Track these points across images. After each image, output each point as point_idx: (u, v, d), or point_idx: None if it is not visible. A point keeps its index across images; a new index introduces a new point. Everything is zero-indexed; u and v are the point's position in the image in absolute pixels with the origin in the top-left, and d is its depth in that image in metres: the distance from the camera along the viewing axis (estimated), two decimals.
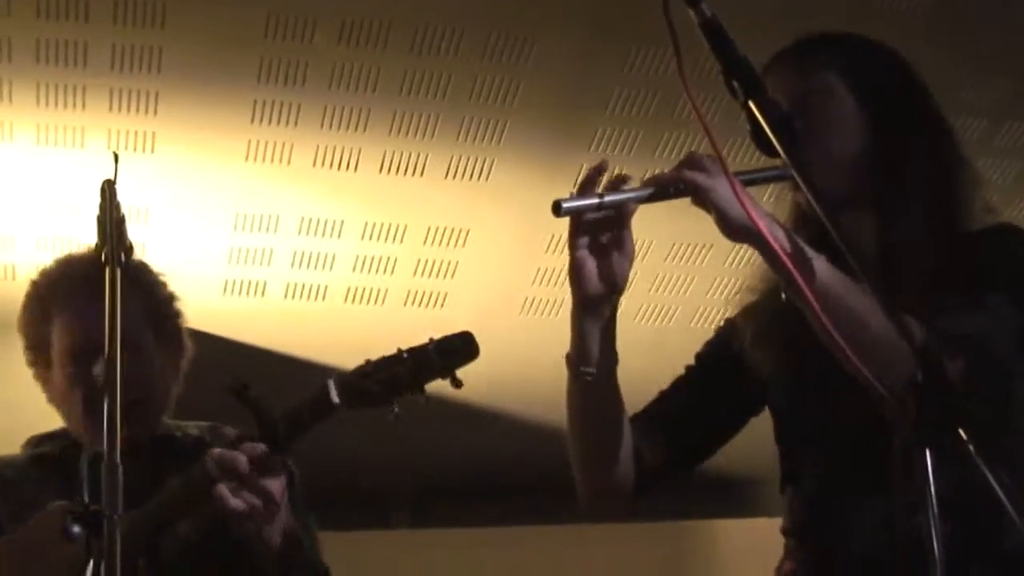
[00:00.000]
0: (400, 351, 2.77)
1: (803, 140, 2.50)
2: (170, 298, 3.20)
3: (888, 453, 2.64)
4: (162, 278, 3.20)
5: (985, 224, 2.83)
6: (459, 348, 2.77)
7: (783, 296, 2.62)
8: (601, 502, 2.94)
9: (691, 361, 3.05)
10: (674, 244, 5.42)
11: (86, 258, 3.05)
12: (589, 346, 2.73)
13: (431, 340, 2.78)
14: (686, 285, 5.77)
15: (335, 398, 2.69)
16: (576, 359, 2.73)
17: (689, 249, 5.56)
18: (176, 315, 3.20)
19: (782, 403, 2.90)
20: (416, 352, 2.77)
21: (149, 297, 3.13)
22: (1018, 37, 4.66)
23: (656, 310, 5.78)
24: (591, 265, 2.71)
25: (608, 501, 2.95)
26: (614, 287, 2.68)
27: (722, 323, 2.98)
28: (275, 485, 2.63)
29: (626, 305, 5.78)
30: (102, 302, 2.85)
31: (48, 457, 3.11)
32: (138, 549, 2.66)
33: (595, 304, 2.72)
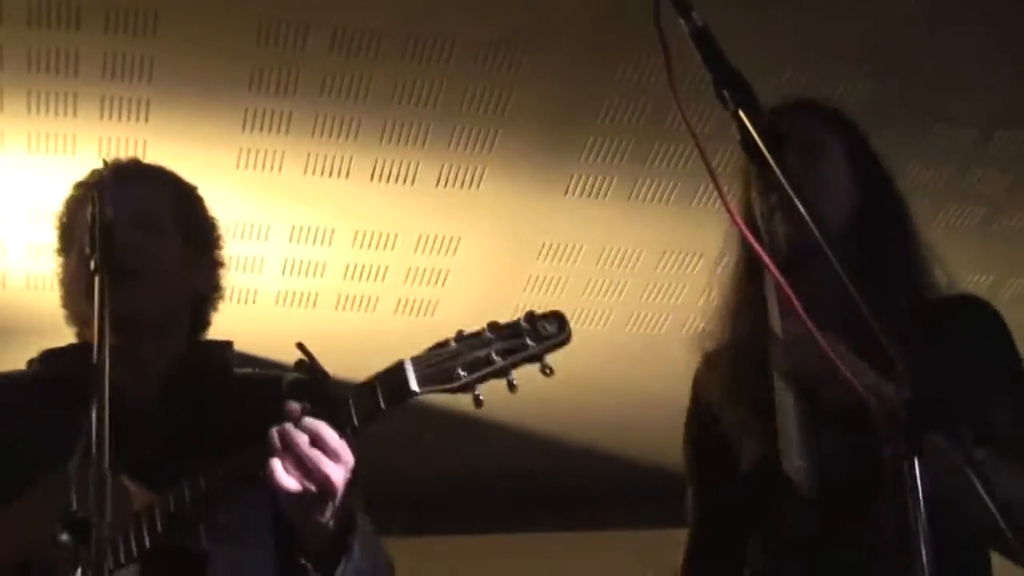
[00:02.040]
0: (484, 330, 2.56)
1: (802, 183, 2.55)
2: (202, 206, 3.08)
3: (869, 509, 2.69)
4: (198, 192, 3.09)
5: (946, 294, 3.01)
6: (553, 333, 2.55)
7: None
8: None
9: (682, 374, 3.05)
10: (664, 252, 5.43)
11: (124, 163, 3.06)
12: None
13: (524, 318, 2.56)
14: (677, 293, 5.79)
15: (415, 384, 2.53)
16: None
17: (680, 257, 5.58)
18: (211, 226, 3.07)
19: (755, 462, 2.90)
20: (504, 332, 2.57)
21: (180, 195, 3.04)
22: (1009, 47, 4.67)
23: (647, 318, 5.80)
24: None
25: None
26: None
27: (692, 375, 3.00)
28: (337, 472, 2.47)
29: (617, 313, 5.82)
30: (131, 185, 2.83)
31: (53, 377, 2.98)
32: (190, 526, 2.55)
33: None
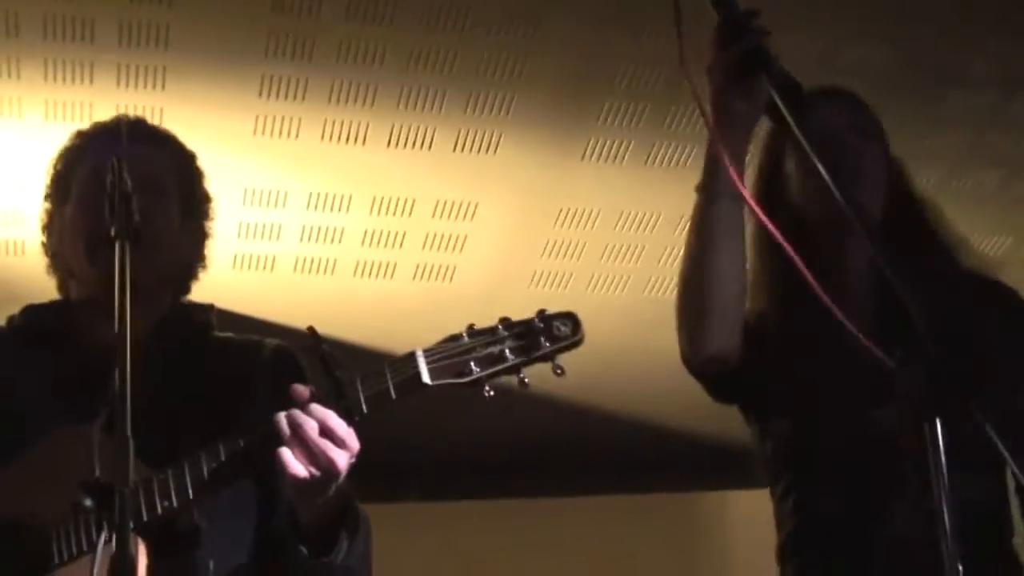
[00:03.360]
0: (498, 326, 2.56)
1: (852, 175, 2.60)
2: (201, 177, 3.04)
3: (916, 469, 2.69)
4: (198, 162, 3.06)
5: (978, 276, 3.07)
6: (567, 334, 2.55)
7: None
8: (709, 367, 2.87)
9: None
10: (682, 216, 5.42)
11: (133, 122, 3.04)
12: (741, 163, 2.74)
13: (537, 316, 2.57)
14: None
15: (426, 377, 2.50)
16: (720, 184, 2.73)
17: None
18: (206, 198, 3.04)
19: (802, 423, 2.92)
20: (518, 329, 2.56)
21: (183, 164, 3.02)
22: None
23: (665, 283, 5.80)
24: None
25: (714, 368, 2.87)
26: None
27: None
28: (343, 458, 2.48)
29: (635, 278, 5.82)
30: (138, 147, 2.83)
31: (40, 334, 2.97)
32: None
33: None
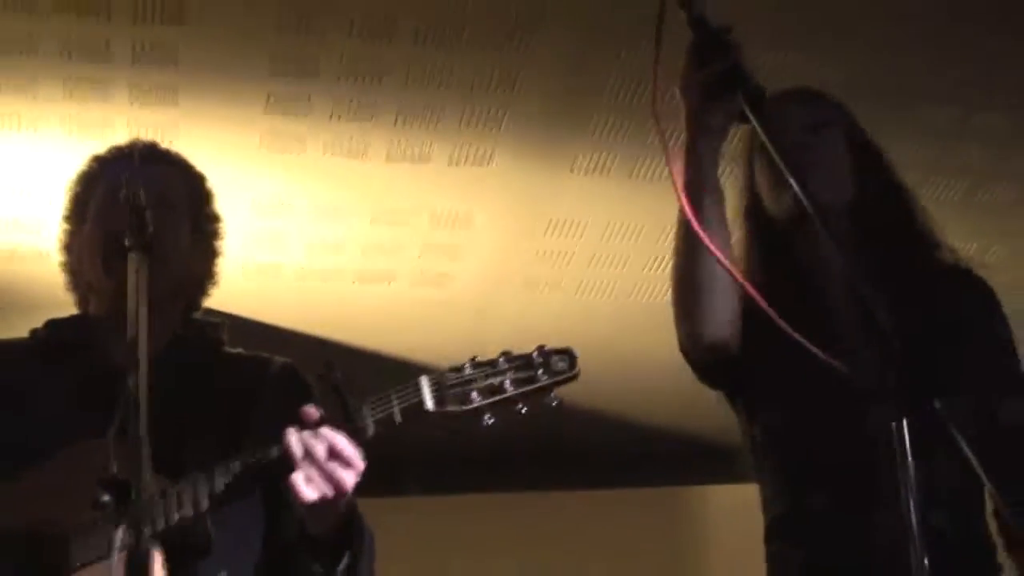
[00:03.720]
0: (499, 358, 2.54)
1: (807, 170, 2.58)
2: (210, 198, 3.04)
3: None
4: (208, 183, 3.06)
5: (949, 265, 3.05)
6: (564, 369, 2.55)
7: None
8: (707, 355, 2.86)
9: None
10: (666, 226, 5.43)
11: (146, 144, 3.03)
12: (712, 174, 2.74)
13: (536, 351, 2.55)
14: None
15: (430, 404, 2.50)
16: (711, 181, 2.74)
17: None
18: (215, 217, 3.04)
19: (783, 424, 2.91)
20: (518, 363, 2.55)
21: (193, 186, 3.02)
22: None
23: (650, 289, 5.80)
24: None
25: (712, 356, 2.86)
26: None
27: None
28: (350, 478, 2.47)
29: (621, 284, 5.82)
30: (151, 169, 2.83)
31: (60, 347, 2.97)
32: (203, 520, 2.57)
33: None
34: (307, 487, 2.44)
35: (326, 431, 2.46)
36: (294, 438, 2.45)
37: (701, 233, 2.61)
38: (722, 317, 2.78)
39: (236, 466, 2.52)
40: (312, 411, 2.47)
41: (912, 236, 3.01)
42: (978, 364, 2.91)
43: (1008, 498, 2.27)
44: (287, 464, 2.45)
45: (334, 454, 2.44)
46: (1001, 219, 5.68)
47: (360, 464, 2.47)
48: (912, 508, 2.12)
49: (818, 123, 2.97)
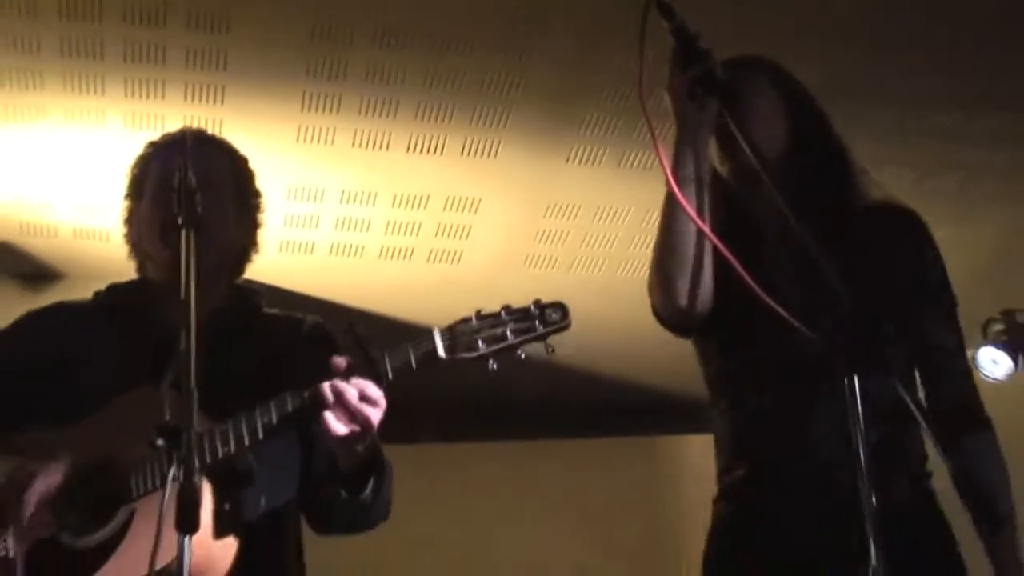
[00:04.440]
0: (501, 311, 2.57)
1: (740, 121, 2.56)
2: (252, 177, 3.05)
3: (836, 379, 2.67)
4: (249, 164, 3.06)
5: (879, 200, 3.01)
6: (557, 320, 2.57)
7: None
8: (681, 319, 2.83)
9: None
10: (649, 210, 5.43)
11: (195, 131, 3.04)
12: (701, 161, 2.74)
13: (533, 304, 2.58)
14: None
15: (442, 352, 2.54)
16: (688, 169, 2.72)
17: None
18: (256, 194, 3.04)
19: (737, 328, 2.87)
20: (517, 315, 2.58)
21: (237, 166, 3.02)
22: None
23: (634, 264, 5.80)
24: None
25: (685, 321, 2.84)
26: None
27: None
28: (375, 415, 2.51)
29: (610, 260, 5.81)
30: (199, 152, 2.83)
31: (120, 308, 2.98)
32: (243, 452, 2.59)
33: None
34: (338, 423, 2.48)
35: (356, 380, 2.50)
36: (326, 384, 2.48)
37: (685, 204, 2.61)
38: (691, 287, 2.78)
39: (272, 409, 2.55)
40: (341, 361, 2.51)
41: (846, 175, 2.97)
42: (915, 303, 2.90)
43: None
44: (319, 406, 2.48)
45: (363, 397, 2.48)
46: (944, 206, 5.67)
47: (383, 403, 2.52)
48: (863, 460, 2.11)
49: (751, 78, 2.92)
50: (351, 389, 2.48)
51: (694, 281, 2.78)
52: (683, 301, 2.79)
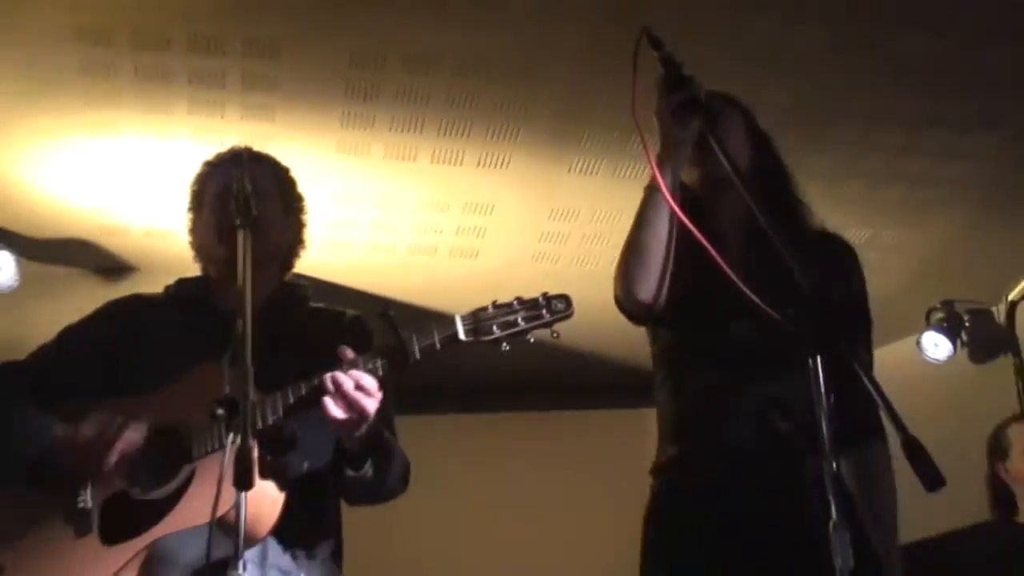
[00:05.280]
0: (514, 302, 2.59)
1: (718, 138, 2.56)
2: (294, 184, 3.06)
3: (767, 365, 2.67)
4: (291, 173, 3.08)
5: (820, 229, 3.01)
6: (563, 309, 2.60)
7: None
8: (639, 312, 2.84)
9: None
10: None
11: (245, 148, 3.04)
12: (678, 175, 2.74)
13: (542, 296, 2.61)
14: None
15: (462, 335, 2.56)
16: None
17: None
18: (299, 198, 3.06)
19: (686, 313, 2.87)
20: (528, 304, 2.60)
21: (281, 177, 3.04)
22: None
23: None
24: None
25: (643, 313, 2.85)
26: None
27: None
28: (370, 403, 2.53)
29: (605, 257, 5.78)
30: (249, 165, 2.84)
31: (186, 299, 3.00)
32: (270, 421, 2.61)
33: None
34: (336, 409, 2.51)
35: (354, 372, 2.53)
36: (327, 375, 2.52)
37: (675, 206, 2.61)
38: (654, 284, 2.78)
39: (301, 388, 2.56)
40: (348, 352, 2.58)
41: (792, 204, 2.97)
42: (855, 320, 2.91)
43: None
44: (320, 393, 2.53)
45: (359, 387, 2.51)
46: (894, 212, 5.66)
47: (378, 395, 2.55)
48: (824, 421, 2.10)
49: (724, 111, 2.94)
50: (348, 380, 2.51)
51: (656, 278, 2.78)
52: (644, 295, 2.79)
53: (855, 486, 2.81)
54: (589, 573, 6.89)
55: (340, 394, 2.51)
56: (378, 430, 2.67)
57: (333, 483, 2.83)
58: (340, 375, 2.52)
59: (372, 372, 2.56)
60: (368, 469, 2.70)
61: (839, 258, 2.99)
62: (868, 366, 2.89)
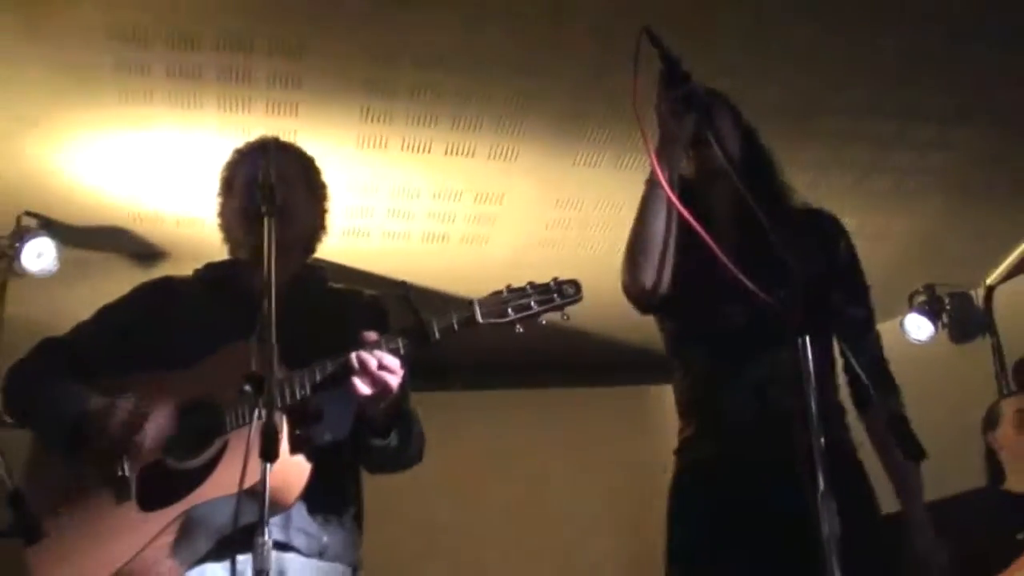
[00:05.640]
0: (527, 286, 2.61)
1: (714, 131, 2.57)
2: (318, 172, 3.05)
3: (761, 346, 2.67)
4: (316, 163, 3.07)
5: (805, 206, 3.03)
6: (572, 293, 2.62)
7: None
8: (644, 298, 2.84)
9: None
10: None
11: (272, 138, 3.04)
12: (676, 167, 2.74)
13: (553, 281, 2.62)
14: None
15: (479, 317, 2.57)
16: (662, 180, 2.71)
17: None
18: (323, 186, 3.05)
19: (690, 299, 2.87)
20: (540, 289, 2.61)
21: (306, 166, 3.03)
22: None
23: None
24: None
25: (647, 300, 2.84)
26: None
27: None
28: (393, 380, 2.55)
29: (607, 243, 5.77)
30: (277, 155, 2.84)
31: (214, 281, 3.01)
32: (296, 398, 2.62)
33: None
34: (363, 385, 2.53)
35: (377, 352, 2.54)
36: (353, 355, 2.54)
37: (673, 197, 2.61)
38: (657, 271, 2.79)
39: (327, 365, 2.57)
40: (371, 335, 2.59)
41: (779, 188, 2.98)
42: (847, 283, 2.91)
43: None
44: (347, 371, 2.55)
45: (382, 366, 2.53)
46: (880, 202, 5.65)
47: (399, 372, 2.56)
48: (811, 397, 2.10)
49: (720, 107, 2.95)
50: (372, 359, 2.53)
51: (658, 267, 2.79)
52: (646, 282, 2.80)
53: (876, 447, 2.84)
54: (596, 536, 6.92)
55: (365, 372, 2.53)
56: (401, 403, 2.68)
57: (354, 453, 2.85)
58: (365, 354, 2.54)
59: (394, 352, 2.57)
60: (393, 438, 2.72)
61: (825, 231, 3.00)
62: (866, 322, 2.91)
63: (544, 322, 2.60)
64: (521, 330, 2.59)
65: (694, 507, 2.85)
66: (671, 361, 3.03)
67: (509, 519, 7.02)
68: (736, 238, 2.73)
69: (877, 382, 2.86)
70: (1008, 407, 4.51)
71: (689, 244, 2.70)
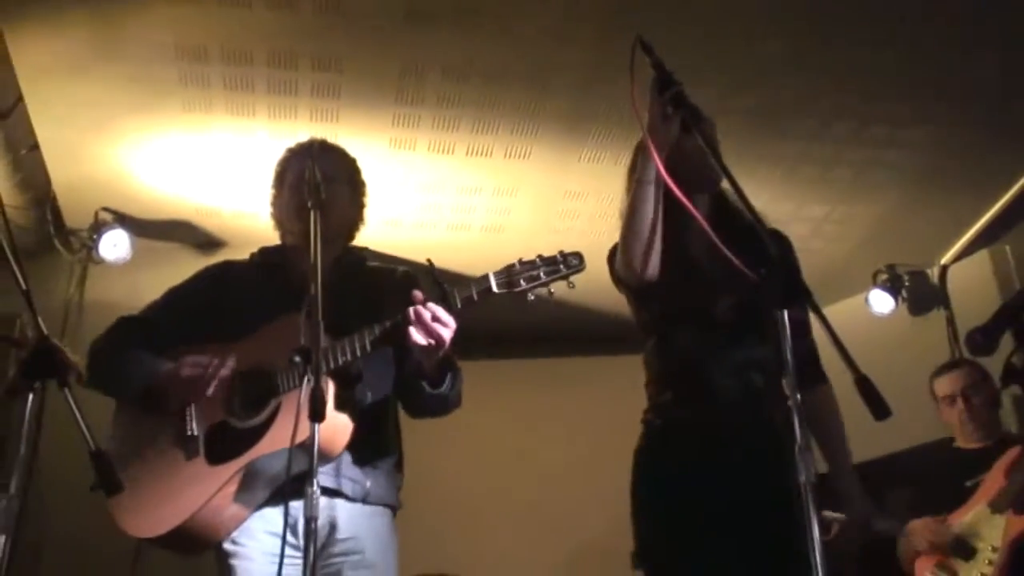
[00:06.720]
0: (536, 258, 2.61)
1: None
2: (359, 171, 3.06)
3: (742, 324, 2.65)
4: (357, 162, 3.07)
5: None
6: (576, 264, 2.63)
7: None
8: (634, 280, 2.80)
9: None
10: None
11: (320, 140, 3.04)
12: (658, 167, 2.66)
13: (559, 253, 2.62)
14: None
15: (495, 287, 2.58)
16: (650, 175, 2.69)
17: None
18: (363, 183, 3.06)
19: (675, 277, 2.83)
20: (548, 260, 2.62)
21: (349, 165, 3.04)
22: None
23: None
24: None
25: (637, 281, 2.79)
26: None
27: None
28: (446, 332, 2.56)
29: (609, 233, 5.76)
30: (324, 155, 2.84)
31: (268, 265, 3.01)
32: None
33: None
34: (419, 336, 2.54)
35: (431, 305, 2.55)
36: (410, 308, 2.54)
37: (671, 183, 2.57)
38: (646, 258, 2.77)
39: (375, 330, 2.58)
40: (419, 294, 2.58)
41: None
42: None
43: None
44: (406, 323, 2.54)
45: (435, 318, 2.53)
46: (845, 190, 5.62)
47: (452, 324, 2.57)
48: (791, 362, 2.08)
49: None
50: (426, 312, 2.53)
51: (644, 251, 2.77)
52: (638, 268, 2.78)
53: (809, 422, 2.80)
54: (591, 490, 6.91)
55: (421, 323, 2.53)
56: (450, 356, 2.69)
57: (403, 404, 2.88)
58: (420, 308, 2.54)
59: (448, 306, 2.58)
60: (448, 384, 2.72)
61: (787, 248, 2.96)
62: (805, 322, 2.87)
63: (553, 293, 2.59)
64: (532, 298, 2.59)
65: (665, 462, 2.81)
66: (648, 339, 2.99)
67: (516, 464, 6.96)
68: (713, 227, 2.72)
69: (811, 374, 2.85)
70: (938, 389, 4.43)
71: (677, 234, 2.70)
